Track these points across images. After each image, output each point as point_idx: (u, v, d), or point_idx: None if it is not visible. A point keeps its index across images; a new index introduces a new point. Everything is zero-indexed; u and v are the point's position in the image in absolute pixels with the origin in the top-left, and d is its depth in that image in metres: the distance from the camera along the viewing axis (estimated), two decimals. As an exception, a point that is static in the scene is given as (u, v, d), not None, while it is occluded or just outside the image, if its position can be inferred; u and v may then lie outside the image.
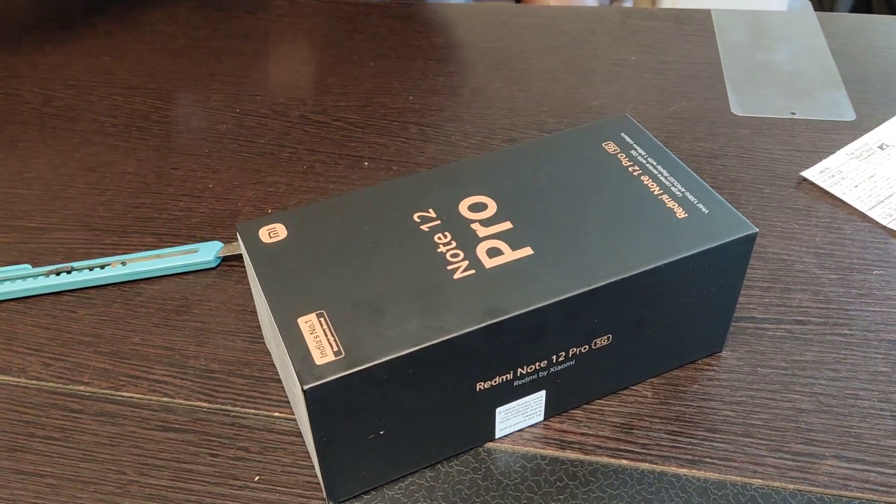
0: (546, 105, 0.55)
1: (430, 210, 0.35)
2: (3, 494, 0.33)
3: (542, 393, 0.34)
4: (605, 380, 0.35)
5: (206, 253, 0.43)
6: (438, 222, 0.34)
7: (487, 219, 0.34)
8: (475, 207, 0.35)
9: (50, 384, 0.38)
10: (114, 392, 0.37)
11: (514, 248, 0.33)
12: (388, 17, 0.65)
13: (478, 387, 0.32)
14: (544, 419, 0.35)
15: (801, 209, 0.45)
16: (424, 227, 0.34)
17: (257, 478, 0.34)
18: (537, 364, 0.32)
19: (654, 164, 0.37)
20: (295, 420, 0.36)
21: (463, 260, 0.32)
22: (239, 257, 0.44)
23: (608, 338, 0.33)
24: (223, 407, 0.36)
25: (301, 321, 0.30)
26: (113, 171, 0.50)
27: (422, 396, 0.31)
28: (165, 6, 0.67)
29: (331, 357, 0.29)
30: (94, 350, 0.39)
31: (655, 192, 0.35)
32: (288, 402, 0.36)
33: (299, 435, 0.35)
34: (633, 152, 0.38)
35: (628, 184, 0.36)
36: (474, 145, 0.51)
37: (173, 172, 0.50)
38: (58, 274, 0.42)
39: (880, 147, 0.49)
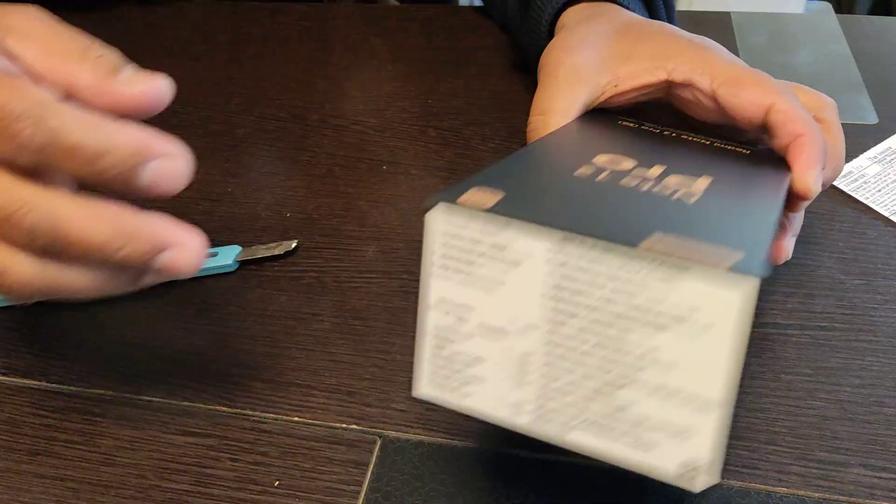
0: (565, 108, 0.54)
1: (631, 161, 0.32)
2: (25, 498, 0.33)
3: None
4: None
5: (225, 257, 0.43)
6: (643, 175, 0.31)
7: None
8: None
9: (71, 388, 0.38)
10: (134, 396, 0.37)
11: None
12: (406, 20, 0.65)
13: None
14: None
15: (823, 213, 0.45)
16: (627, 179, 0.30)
17: (277, 482, 0.34)
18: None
19: None
20: (315, 424, 0.36)
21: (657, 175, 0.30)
22: (257, 261, 0.44)
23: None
24: (243, 411, 0.37)
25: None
26: (133, 174, 0.51)
27: None
28: (184, 11, 0.67)
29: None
30: (115, 353, 0.39)
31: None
32: (308, 406, 0.36)
33: (318, 440, 0.35)
34: None
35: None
36: (492, 148, 0.51)
37: (192, 176, 0.50)
38: (78, 277, 0.42)
39: (904, 151, 0.49)
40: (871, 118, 0.52)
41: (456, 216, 0.25)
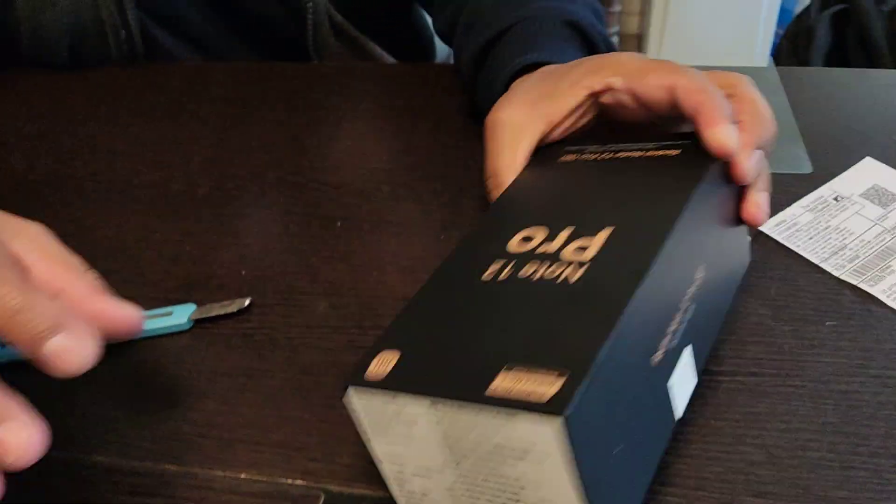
0: (514, 163, 0.56)
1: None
2: (-26, 560, 0.34)
3: (689, 349, 0.35)
4: (716, 316, 0.39)
5: (180, 316, 0.44)
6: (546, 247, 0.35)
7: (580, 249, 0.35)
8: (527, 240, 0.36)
9: (24, 449, 0.39)
10: (85, 456, 0.38)
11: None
12: (364, 79, 0.67)
13: (652, 360, 0.32)
14: (697, 381, 0.37)
15: (757, 262, 0.47)
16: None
17: (222, 539, 0.34)
18: (677, 316, 0.34)
19: None
20: (261, 481, 0.37)
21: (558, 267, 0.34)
22: (211, 319, 0.45)
23: (703, 268, 0.35)
24: (191, 470, 0.37)
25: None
26: (93, 235, 0.52)
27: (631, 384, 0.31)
28: (149, 74, 0.69)
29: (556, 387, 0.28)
30: (68, 414, 0.40)
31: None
32: (256, 462, 0.37)
33: (265, 496, 0.36)
34: None
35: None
36: (444, 203, 0.53)
37: (152, 236, 0.52)
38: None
39: (835, 199, 0.51)
40: (806, 168, 0.54)
41: (363, 395, 0.31)
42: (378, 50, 0.77)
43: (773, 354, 0.41)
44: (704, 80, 0.40)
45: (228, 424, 0.39)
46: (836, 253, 0.47)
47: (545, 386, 0.27)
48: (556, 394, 0.27)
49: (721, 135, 0.37)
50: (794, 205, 0.51)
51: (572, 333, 0.30)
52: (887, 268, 0.46)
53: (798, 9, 1.68)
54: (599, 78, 0.43)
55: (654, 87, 0.41)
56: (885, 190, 0.51)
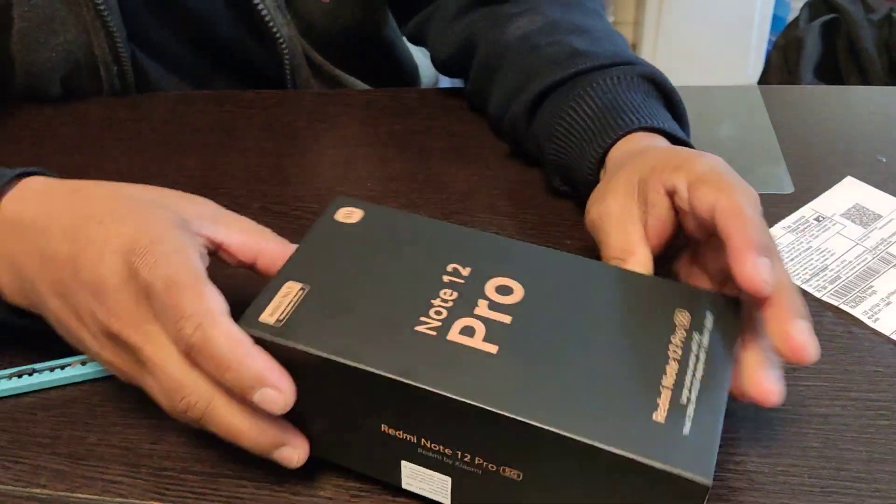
0: (498, 189, 0.57)
1: (467, 269, 0.36)
2: None
3: (448, 479, 0.34)
4: None
5: (164, 350, 0.44)
6: (461, 282, 0.36)
7: (498, 303, 0.35)
8: (502, 290, 0.36)
9: (8, 487, 0.39)
10: (69, 494, 0.38)
11: (487, 339, 0.33)
12: (347, 106, 0.68)
13: (382, 427, 0.34)
14: None
15: (738, 285, 0.47)
16: (445, 278, 0.36)
17: (204, 577, 0.34)
18: (441, 447, 0.33)
19: (701, 356, 0.33)
20: (243, 516, 0.37)
21: (439, 320, 0.34)
22: (196, 352, 0.45)
23: (517, 474, 0.32)
24: (174, 505, 0.38)
25: (288, 283, 0.36)
26: (79, 268, 0.52)
27: (329, 403, 0.35)
28: (134, 103, 0.70)
29: (270, 321, 0.34)
30: (52, 452, 0.40)
31: (663, 382, 0.32)
32: (239, 497, 0.37)
33: (247, 531, 0.36)
34: (697, 337, 0.34)
35: (651, 355, 0.33)
36: (428, 230, 0.53)
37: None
38: (20, 376, 0.43)
39: (817, 219, 0.51)
40: (788, 188, 0.55)
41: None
42: (360, 84, 0.77)
43: (754, 378, 0.41)
44: (747, 201, 0.35)
45: (212, 460, 0.39)
46: (818, 274, 0.47)
47: None
48: None
49: (750, 269, 0.32)
50: (776, 226, 0.51)
51: None
52: (868, 288, 0.46)
53: (790, 16, 1.69)
54: (669, 175, 0.39)
55: (702, 202, 0.36)
56: (867, 209, 0.51)
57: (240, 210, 0.56)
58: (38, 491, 0.39)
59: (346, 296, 0.35)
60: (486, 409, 0.31)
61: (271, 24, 0.64)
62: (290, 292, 0.36)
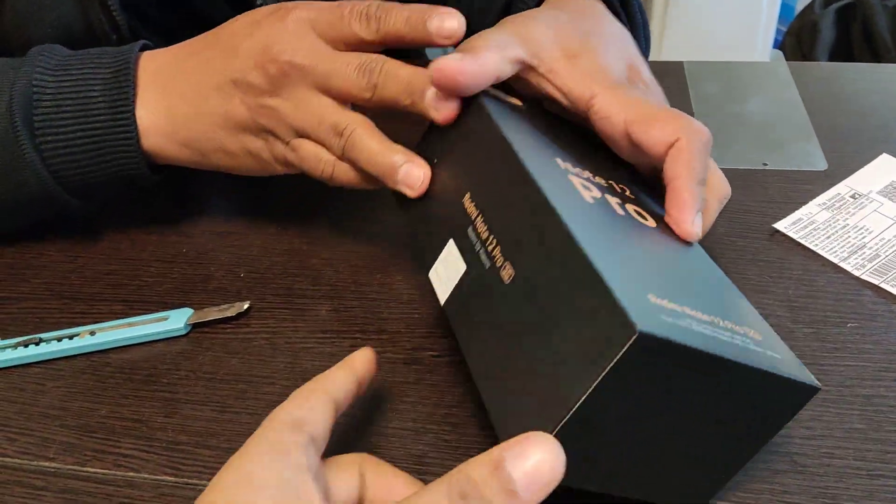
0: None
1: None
2: (-39, 579, 0.33)
3: (462, 269, 0.34)
4: None
5: (176, 320, 0.43)
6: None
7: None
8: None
9: (14, 460, 0.37)
10: (79, 468, 0.37)
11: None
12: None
13: (466, 196, 0.35)
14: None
15: (774, 262, 0.45)
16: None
17: (222, 555, 0.33)
18: (486, 230, 0.34)
19: None
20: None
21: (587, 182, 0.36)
22: (209, 323, 0.43)
23: (510, 275, 0.32)
24: (189, 481, 0.36)
25: None
26: (86, 237, 0.50)
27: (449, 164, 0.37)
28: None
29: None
30: (61, 424, 0.39)
31: None
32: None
33: (266, 508, 0.34)
34: None
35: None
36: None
37: (147, 238, 0.50)
38: (26, 346, 0.42)
39: (852, 197, 0.49)
40: (821, 165, 0.53)
41: None
42: None
43: (793, 358, 0.40)
44: (698, 147, 0.37)
45: (227, 433, 0.38)
46: (856, 252, 0.45)
47: None
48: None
49: (688, 227, 0.36)
50: (811, 203, 0.49)
51: None
52: (909, 267, 0.44)
53: (800, 4, 1.67)
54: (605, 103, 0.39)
55: (656, 140, 0.37)
56: (904, 187, 0.50)
57: (252, 180, 0.54)
58: (46, 464, 0.37)
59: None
60: (559, 220, 0.30)
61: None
62: None
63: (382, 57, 0.39)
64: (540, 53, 0.40)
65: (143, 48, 0.46)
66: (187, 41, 0.45)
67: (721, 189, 0.40)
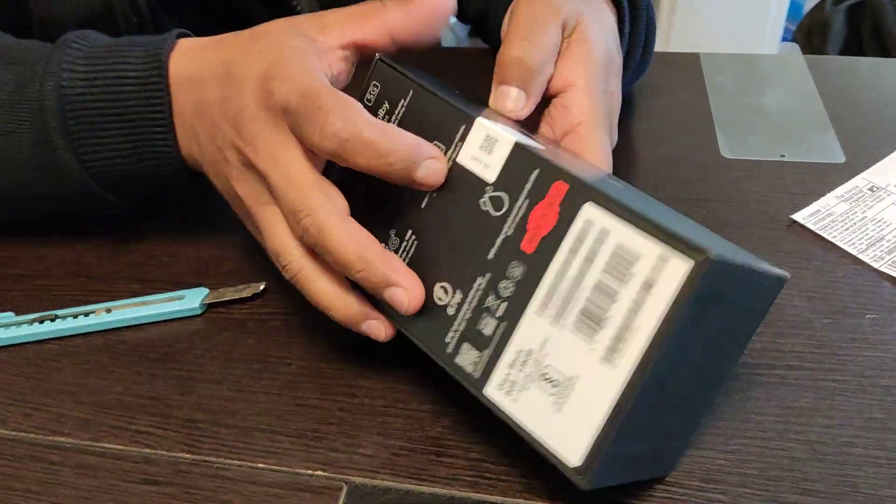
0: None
1: None
2: (-23, 551, 0.32)
3: None
4: None
5: (192, 300, 0.42)
6: None
7: None
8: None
9: (30, 435, 0.37)
10: (94, 443, 0.37)
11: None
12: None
13: None
14: None
15: (792, 252, 0.45)
16: None
17: (240, 532, 0.33)
18: None
19: None
20: (280, 470, 0.35)
21: None
22: (225, 304, 0.43)
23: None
24: (206, 458, 0.36)
25: None
26: (102, 217, 0.50)
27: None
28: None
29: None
30: (76, 400, 0.39)
31: None
32: (273, 451, 0.36)
33: (283, 487, 0.34)
34: None
35: None
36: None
37: (161, 216, 0.50)
38: (41, 322, 0.42)
39: (870, 189, 0.49)
40: (839, 157, 0.53)
41: None
42: None
43: (812, 348, 0.39)
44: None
45: (244, 412, 0.38)
46: (874, 244, 0.45)
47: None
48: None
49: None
50: (829, 195, 0.49)
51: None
52: (928, 259, 0.44)
53: (808, 3, 1.66)
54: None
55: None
56: (923, 180, 0.49)
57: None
58: (61, 439, 0.37)
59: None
60: None
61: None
62: None
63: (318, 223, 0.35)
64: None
65: (180, 35, 0.43)
66: (223, 42, 0.42)
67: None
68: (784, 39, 1.61)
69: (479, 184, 0.33)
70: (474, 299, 0.32)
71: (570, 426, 0.29)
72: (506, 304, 0.31)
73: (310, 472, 0.35)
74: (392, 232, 0.36)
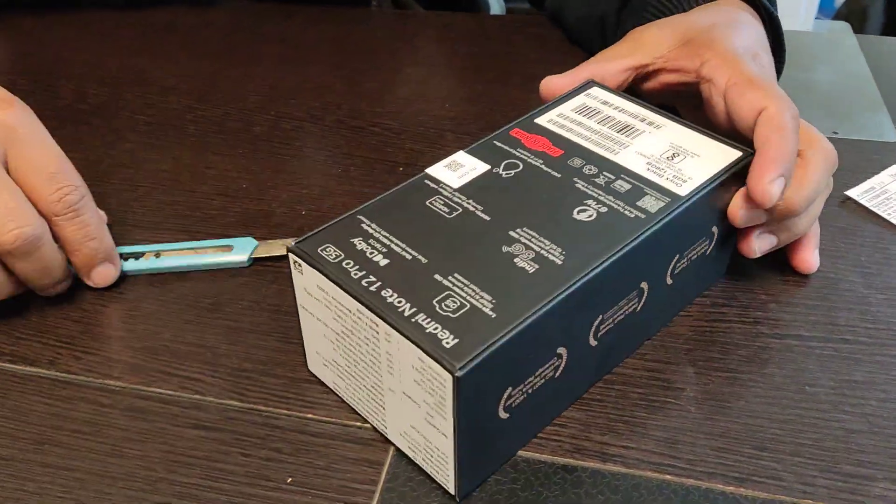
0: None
1: None
2: (30, 487, 0.33)
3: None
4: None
5: (241, 251, 0.42)
6: None
7: None
8: None
9: (80, 377, 0.37)
10: (144, 388, 0.37)
11: None
12: (425, 27, 0.65)
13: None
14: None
15: (845, 228, 0.44)
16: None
17: (290, 479, 0.33)
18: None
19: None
20: (329, 421, 0.35)
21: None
22: (272, 258, 0.43)
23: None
24: (255, 406, 0.36)
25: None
26: (147, 168, 0.50)
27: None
28: (205, 13, 0.67)
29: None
30: (125, 345, 0.39)
31: None
32: (322, 403, 0.36)
33: (333, 437, 0.34)
34: None
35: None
36: (510, 155, 0.50)
37: (207, 171, 0.50)
38: (90, 267, 0.41)
39: (925, 169, 0.48)
40: (891, 136, 0.52)
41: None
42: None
43: (866, 322, 0.39)
44: (788, 118, 0.36)
45: (292, 363, 0.38)
46: (930, 223, 0.44)
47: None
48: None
49: (764, 188, 0.34)
50: (883, 172, 0.48)
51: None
52: (985, 240, 0.43)
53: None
54: (713, 65, 0.40)
55: (746, 102, 0.37)
56: (979, 161, 0.49)
57: (314, 123, 0.54)
58: (111, 382, 0.37)
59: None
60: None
61: None
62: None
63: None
64: (653, 53, 0.43)
65: None
66: None
67: (826, 147, 0.39)
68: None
69: None
70: None
71: None
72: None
73: (359, 424, 0.35)
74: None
